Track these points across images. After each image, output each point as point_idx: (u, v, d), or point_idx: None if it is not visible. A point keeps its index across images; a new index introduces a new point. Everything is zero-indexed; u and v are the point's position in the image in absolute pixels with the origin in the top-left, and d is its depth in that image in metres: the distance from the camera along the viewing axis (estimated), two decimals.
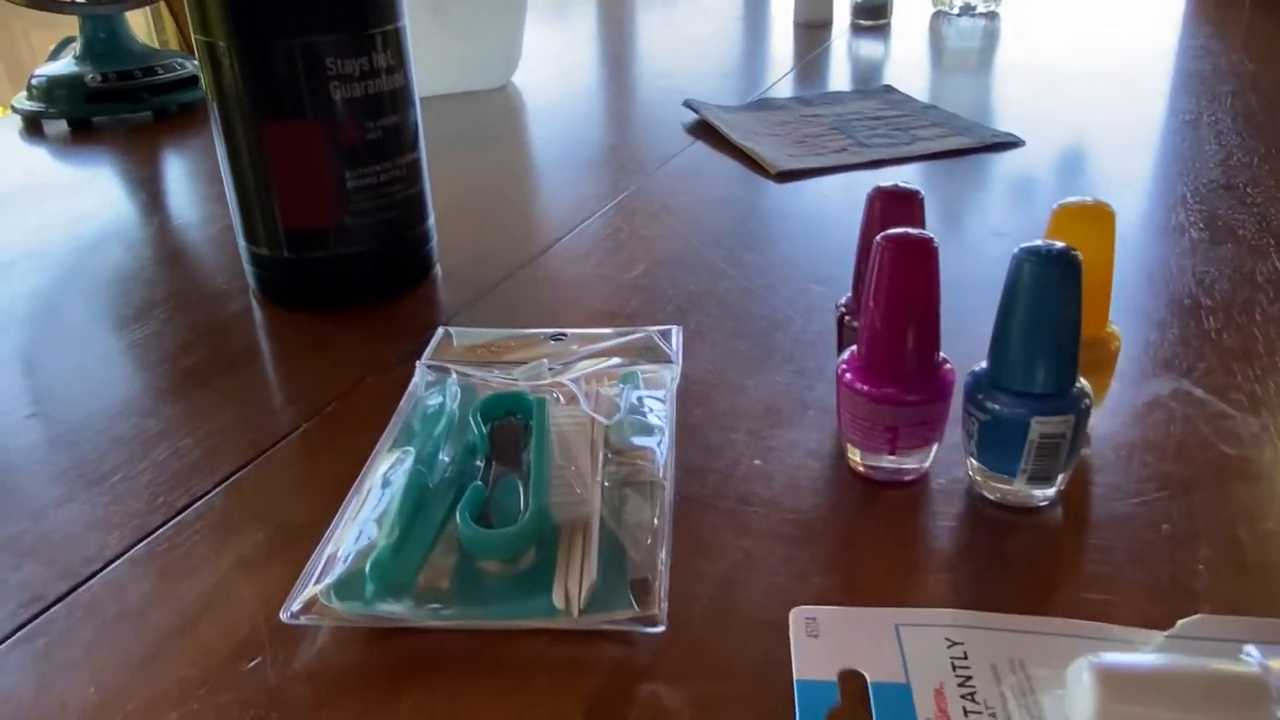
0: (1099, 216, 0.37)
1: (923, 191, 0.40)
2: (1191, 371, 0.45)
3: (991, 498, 0.37)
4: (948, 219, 0.65)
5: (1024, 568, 0.34)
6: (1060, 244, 0.33)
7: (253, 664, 0.31)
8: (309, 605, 0.32)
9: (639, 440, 0.40)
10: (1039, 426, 0.34)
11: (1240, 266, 0.56)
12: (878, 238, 0.35)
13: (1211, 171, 0.72)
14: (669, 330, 0.49)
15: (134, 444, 0.43)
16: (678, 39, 1.36)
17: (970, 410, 0.36)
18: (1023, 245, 0.33)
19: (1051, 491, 0.36)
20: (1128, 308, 0.51)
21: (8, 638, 0.32)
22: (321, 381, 0.47)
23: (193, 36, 0.50)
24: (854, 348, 0.38)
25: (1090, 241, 0.36)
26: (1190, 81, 1.00)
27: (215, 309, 0.56)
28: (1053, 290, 0.33)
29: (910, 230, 0.35)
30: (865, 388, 0.36)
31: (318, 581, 0.32)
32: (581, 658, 0.30)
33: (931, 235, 0.35)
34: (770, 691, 0.29)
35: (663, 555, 0.34)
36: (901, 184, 0.40)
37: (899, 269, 0.35)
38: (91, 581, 0.35)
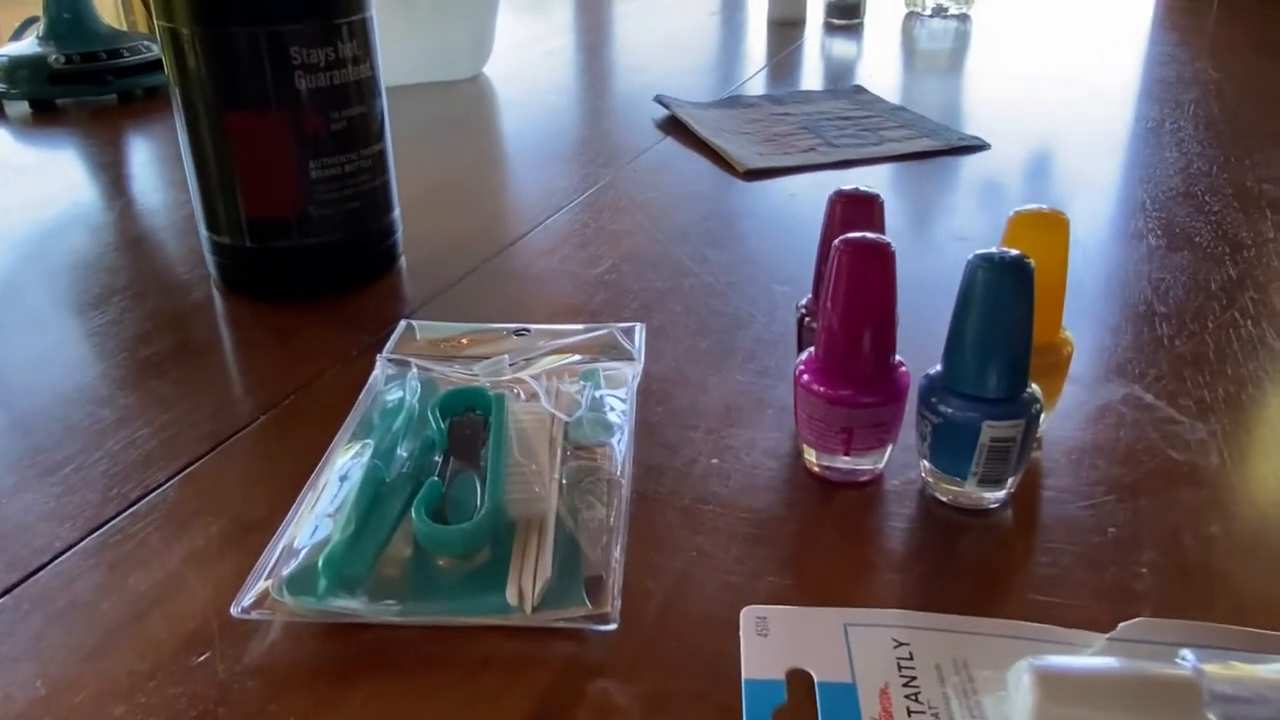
0: (1054, 224, 0.38)
1: (887, 194, 0.41)
2: (1143, 377, 0.46)
3: (943, 499, 0.37)
4: (912, 221, 0.66)
5: (973, 569, 0.34)
6: (1014, 252, 0.34)
7: (202, 658, 0.30)
8: (260, 600, 0.32)
9: (598, 438, 0.40)
10: (990, 430, 0.35)
11: (1195, 274, 0.57)
12: (836, 241, 0.36)
13: (1172, 179, 0.73)
14: (632, 327, 0.49)
15: (89, 433, 0.42)
16: (652, 32, 1.36)
17: (923, 413, 0.36)
18: (977, 252, 0.34)
19: (1001, 494, 0.37)
20: (1084, 312, 0.52)
21: None
22: (281, 373, 0.47)
23: (155, 22, 0.50)
24: (811, 349, 0.38)
25: (1044, 249, 0.36)
26: (1155, 88, 1.01)
27: (176, 298, 0.56)
28: (1005, 297, 0.33)
29: (868, 234, 0.36)
30: (821, 389, 0.37)
31: (270, 576, 0.32)
32: (533, 654, 0.31)
33: (889, 240, 0.35)
34: (720, 689, 0.29)
35: (617, 553, 0.34)
36: (862, 188, 0.41)
37: (856, 273, 0.35)
38: (41, 573, 0.34)
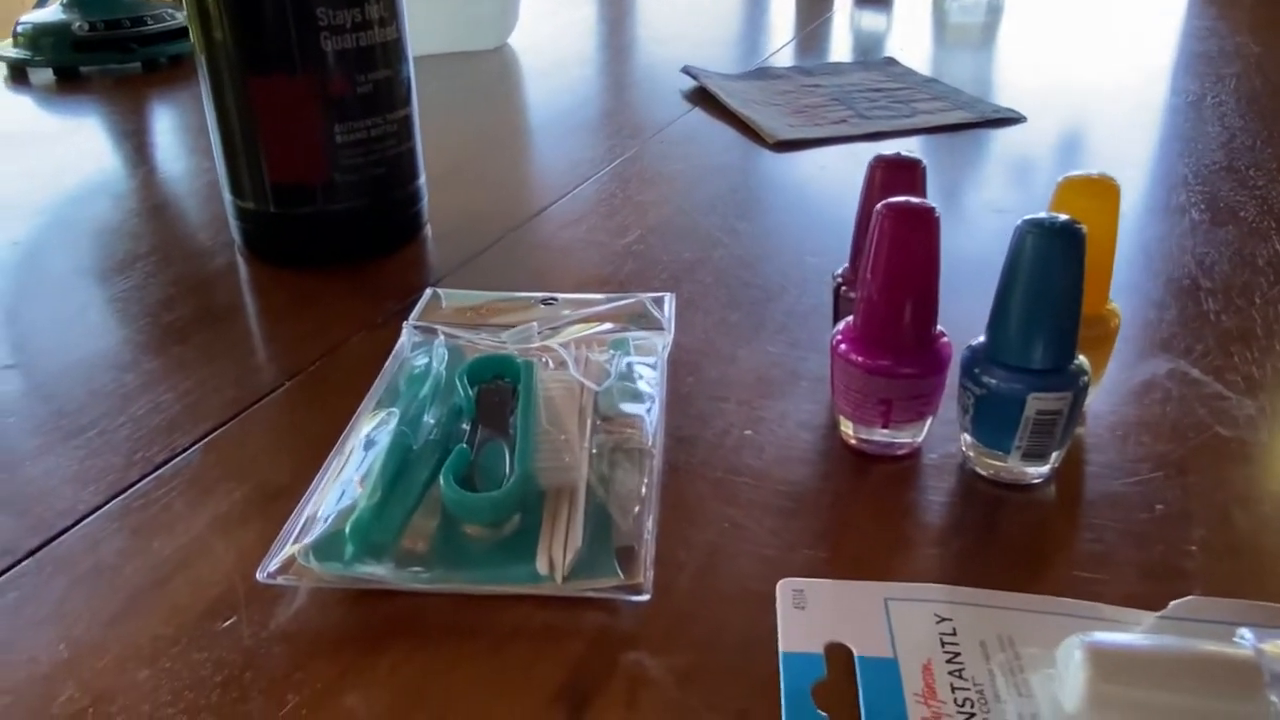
0: (1104, 191, 0.37)
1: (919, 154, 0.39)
2: (1189, 353, 0.45)
3: (984, 474, 0.36)
4: (947, 193, 0.64)
5: (1015, 544, 0.33)
6: (1064, 217, 0.32)
7: (228, 623, 0.30)
8: (286, 565, 0.31)
9: (628, 407, 0.39)
10: (1035, 403, 0.33)
11: (1241, 249, 0.55)
12: (878, 206, 0.34)
13: (1214, 153, 0.71)
14: (661, 297, 0.48)
15: (113, 398, 0.42)
16: (678, 3, 1.33)
17: (966, 384, 0.35)
18: (1026, 217, 0.33)
19: (1045, 469, 0.36)
20: (1126, 287, 0.50)
21: None
22: (306, 340, 0.46)
23: None
24: (849, 318, 0.37)
25: (1094, 216, 0.35)
26: (1195, 62, 0.99)
27: (199, 264, 0.55)
28: (1055, 264, 0.32)
29: (911, 199, 0.34)
30: (859, 359, 0.36)
31: (296, 541, 0.32)
32: (564, 625, 0.30)
33: (933, 205, 0.34)
34: (755, 663, 0.28)
35: (649, 524, 0.33)
36: (904, 153, 0.39)
37: (899, 238, 0.34)
38: (65, 536, 0.34)
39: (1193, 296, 0.50)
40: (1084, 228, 0.32)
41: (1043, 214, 0.33)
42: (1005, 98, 0.85)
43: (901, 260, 0.34)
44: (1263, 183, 0.65)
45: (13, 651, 0.29)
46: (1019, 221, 0.33)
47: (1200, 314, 0.48)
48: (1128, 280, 0.51)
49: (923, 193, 0.39)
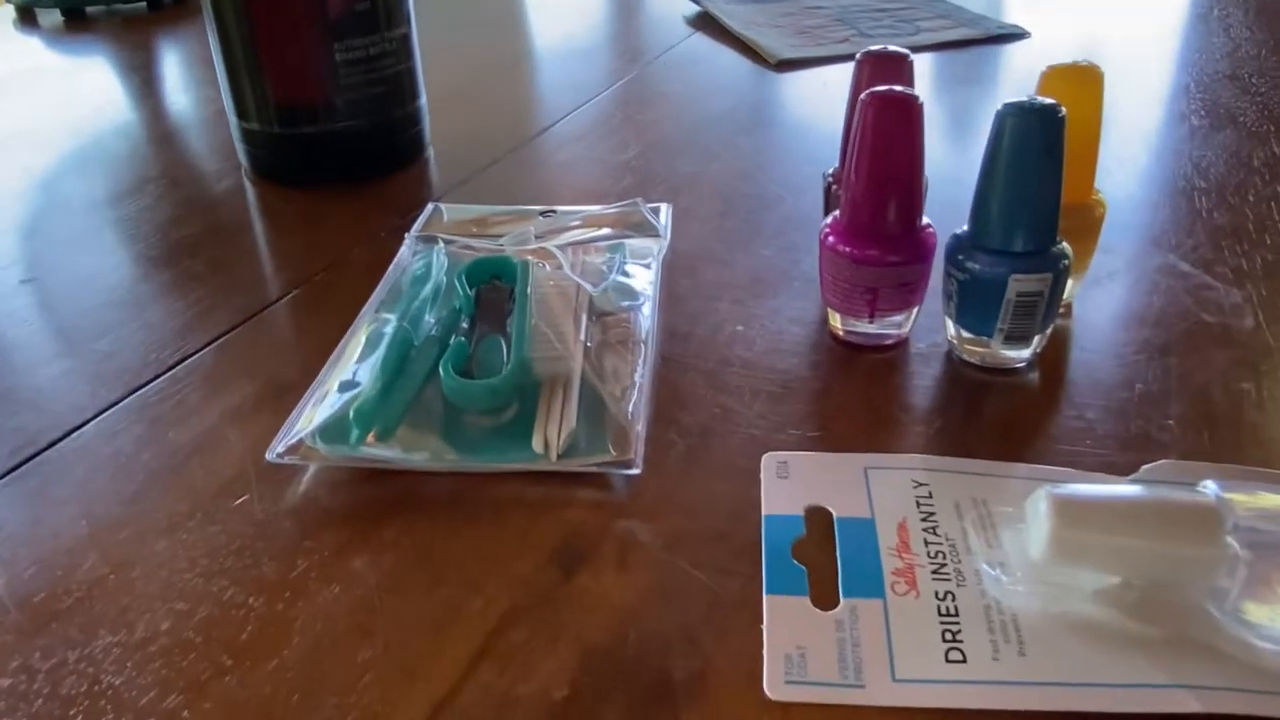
0: (1087, 78, 0.37)
1: (927, 84, 0.40)
2: (1179, 247, 0.45)
3: (970, 360, 0.37)
4: (958, 110, 0.64)
5: (997, 422, 0.34)
6: (1043, 99, 0.33)
7: (240, 500, 0.31)
8: (294, 448, 0.33)
9: (623, 304, 0.40)
10: (1016, 284, 0.34)
11: (1237, 151, 0.55)
12: (862, 95, 0.35)
13: (1218, 63, 0.70)
14: (658, 206, 0.49)
15: (126, 306, 0.43)
16: None
17: (950, 271, 0.36)
18: (1006, 101, 0.33)
19: (1027, 353, 0.37)
20: (1121, 192, 0.50)
21: (1, 478, 0.33)
22: (311, 253, 0.47)
23: None
24: (837, 212, 0.38)
25: (1078, 103, 0.35)
26: None
27: (207, 186, 0.56)
28: (1034, 145, 0.33)
29: (894, 88, 0.35)
30: (846, 249, 0.37)
31: (302, 427, 0.33)
32: (559, 497, 0.31)
33: (916, 94, 0.35)
34: (740, 528, 0.30)
35: (642, 408, 0.34)
36: (890, 47, 0.40)
37: (882, 127, 0.35)
38: (84, 428, 0.35)
39: (1186, 196, 0.50)
40: (1063, 109, 0.33)
41: (1023, 97, 0.33)
42: (1010, 14, 0.84)
43: (885, 150, 0.35)
44: (1265, 89, 0.65)
45: (38, 527, 0.31)
46: (999, 106, 0.33)
47: (1193, 212, 0.48)
48: (1123, 186, 0.51)
49: (910, 85, 0.40)
